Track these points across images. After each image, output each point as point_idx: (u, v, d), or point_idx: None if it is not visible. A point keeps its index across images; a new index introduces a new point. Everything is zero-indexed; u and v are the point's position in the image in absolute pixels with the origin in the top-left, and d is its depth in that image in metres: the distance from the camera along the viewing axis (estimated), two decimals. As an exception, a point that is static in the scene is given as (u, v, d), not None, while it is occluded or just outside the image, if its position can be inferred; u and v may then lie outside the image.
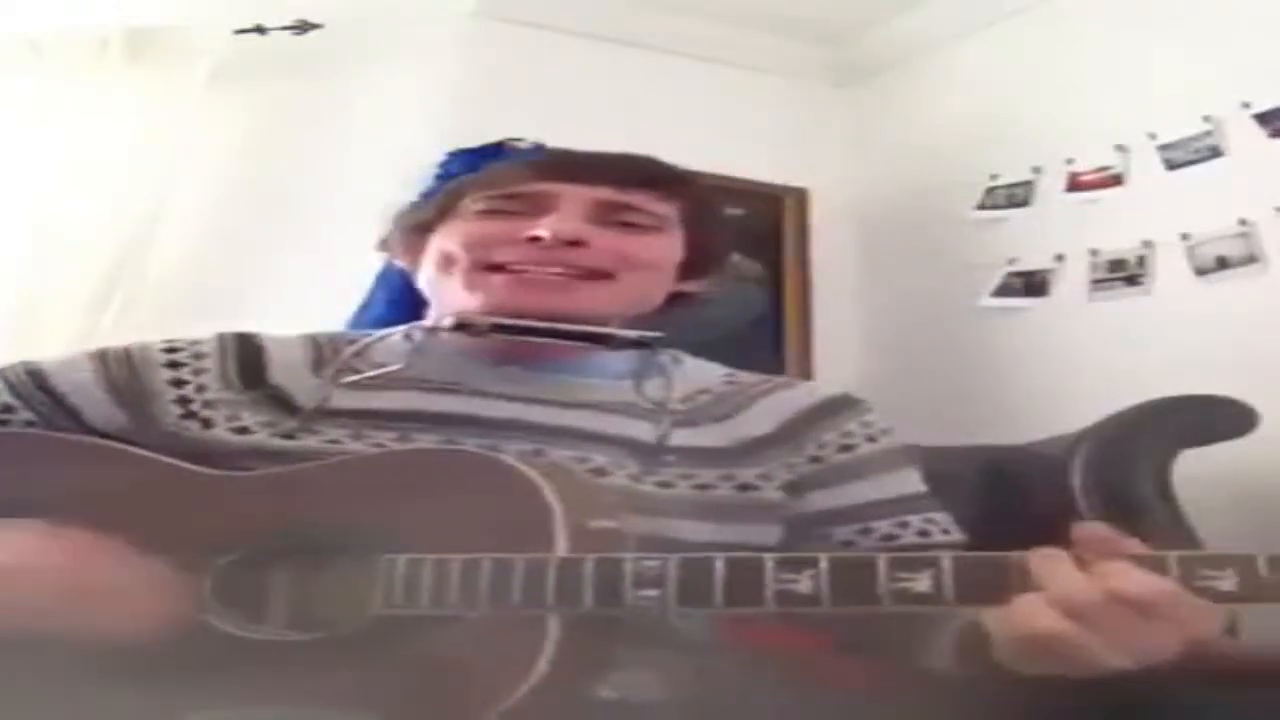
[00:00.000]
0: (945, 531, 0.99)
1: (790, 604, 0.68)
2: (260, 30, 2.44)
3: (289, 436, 0.92)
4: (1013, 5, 2.44)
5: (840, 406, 1.04)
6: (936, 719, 0.83)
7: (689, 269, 1.06)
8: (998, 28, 2.47)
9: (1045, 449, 1.60)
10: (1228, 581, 0.64)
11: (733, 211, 2.56)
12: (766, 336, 2.49)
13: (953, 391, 2.32)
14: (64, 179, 2.33)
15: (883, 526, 0.98)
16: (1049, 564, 0.66)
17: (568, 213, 0.98)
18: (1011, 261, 2.34)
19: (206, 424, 0.94)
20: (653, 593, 0.70)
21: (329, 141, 2.42)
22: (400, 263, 1.09)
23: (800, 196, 2.66)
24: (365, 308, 2.18)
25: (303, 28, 2.46)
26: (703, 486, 0.94)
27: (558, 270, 0.96)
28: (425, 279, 1.03)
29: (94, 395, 0.97)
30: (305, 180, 2.40)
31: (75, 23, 2.37)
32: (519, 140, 2.34)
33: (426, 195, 1.13)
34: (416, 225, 1.06)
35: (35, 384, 0.97)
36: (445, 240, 1.01)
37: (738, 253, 2.53)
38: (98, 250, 2.31)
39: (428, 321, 1.01)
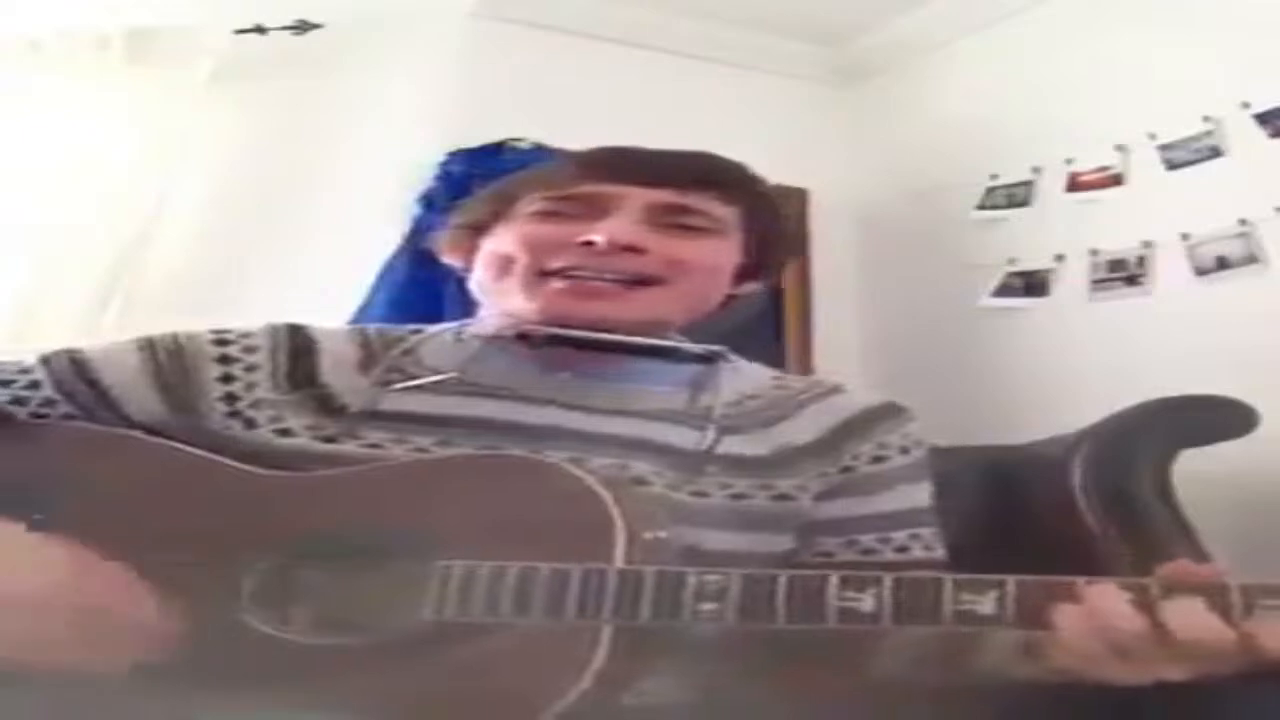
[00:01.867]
0: (927, 548, 0.98)
1: (852, 621, 0.68)
2: (260, 30, 2.44)
3: (331, 440, 0.91)
4: (1013, 5, 2.44)
5: (883, 416, 1.02)
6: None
7: (746, 271, 1.03)
8: (998, 28, 2.47)
9: (1045, 449, 1.60)
10: None
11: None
12: (766, 336, 2.49)
13: (952, 391, 2.32)
14: (64, 179, 2.33)
15: (865, 540, 0.97)
16: (1103, 597, 0.66)
17: (625, 215, 0.95)
18: (1011, 261, 2.34)
19: (250, 424, 0.93)
20: (714, 606, 0.70)
21: (329, 141, 2.42)
22: (453, 262, 1.06)
23: (800, 196, 2.66)
24: (365, 307, 2.19)
25: (303, 28, 2.46)
26: (738, 496, 0.93)
27: (612, 277, 0.94)
28: (478, 280, 1.01)
29: (139, 389, 0.94)
30: (305, 180, 2.40)
31: (75, 23, 2.37)
32: (519, 140, 2.34)
33: (460, 195, 1.09)
34: (470, 225, 1.03)
35: (79, 374, 0.94)
36: (501, 242, 0.98)
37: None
38: (98, 250, 2.31)
39: (483, 325, 1.00)
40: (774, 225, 1.06)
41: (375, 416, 0.92)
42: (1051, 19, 2.37)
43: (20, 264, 2.29)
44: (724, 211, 1.00)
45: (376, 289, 2.23)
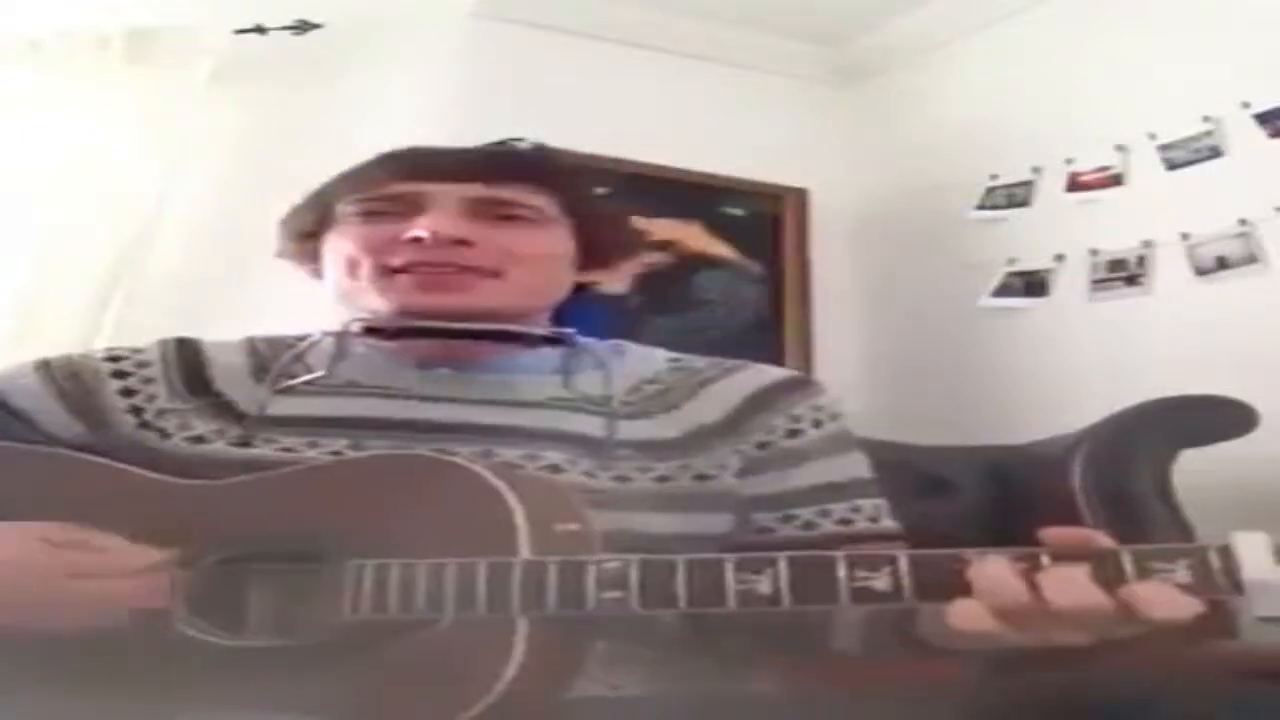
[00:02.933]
0: (872, 519, 0.98)
1: (752, 604, 0.69)
2: (260, 30, 2.44)
3: (244, 444, 0.92)
4: (1013, 5, 2.44)
5: (790, 389, 1.02)
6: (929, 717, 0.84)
7: (588, 259, 1.05)
8: (998, 28, 2.47)
9: (1045, 449, 1.60)
10: (1180, 574, 0.64)
11: (733, 211, 2.56)
12: (766, 336, 2.49)
13: (952, 392, 2.32)
14: (64, 179, 2.33)
15: (804, 514, 0.97)
16: (987, 569, 0.67)
17: (441, 210, 0.97)
18: (1011, 261, 2.33)
19: (162, 434, 0.95)
20: (617, 594, 0.70)
21: (329, 141, 2.41)
22: (303, 270, 1.09)
23: (800, 196, 2.66)
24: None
25: (303, 28, 2.46)
26: (662, 479, 0.94)
27: (451, 267, 0.95)
28: (332, 284, 1.03)
29: (46, 404, 0.97)
30: (305, 180, 2.39)
31: (75, 23, 2.37)
32: (519, 140, 2.34)
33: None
34: (301, 234, 1.06)
35: None
36: (340, 245, 1.01)
37: (738, 252, 2.54)
38: (98, 250, 2.31)
39: (349, 326, 1.00)
40: (597, 211, 1.07)
41: (275, 421, 0.94)
42: (1051, 19, 2.37)
43: (20, 264, 2.29)
44: (539, 201, 1.01)
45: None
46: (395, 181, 1.01)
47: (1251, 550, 0.64)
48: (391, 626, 0.74)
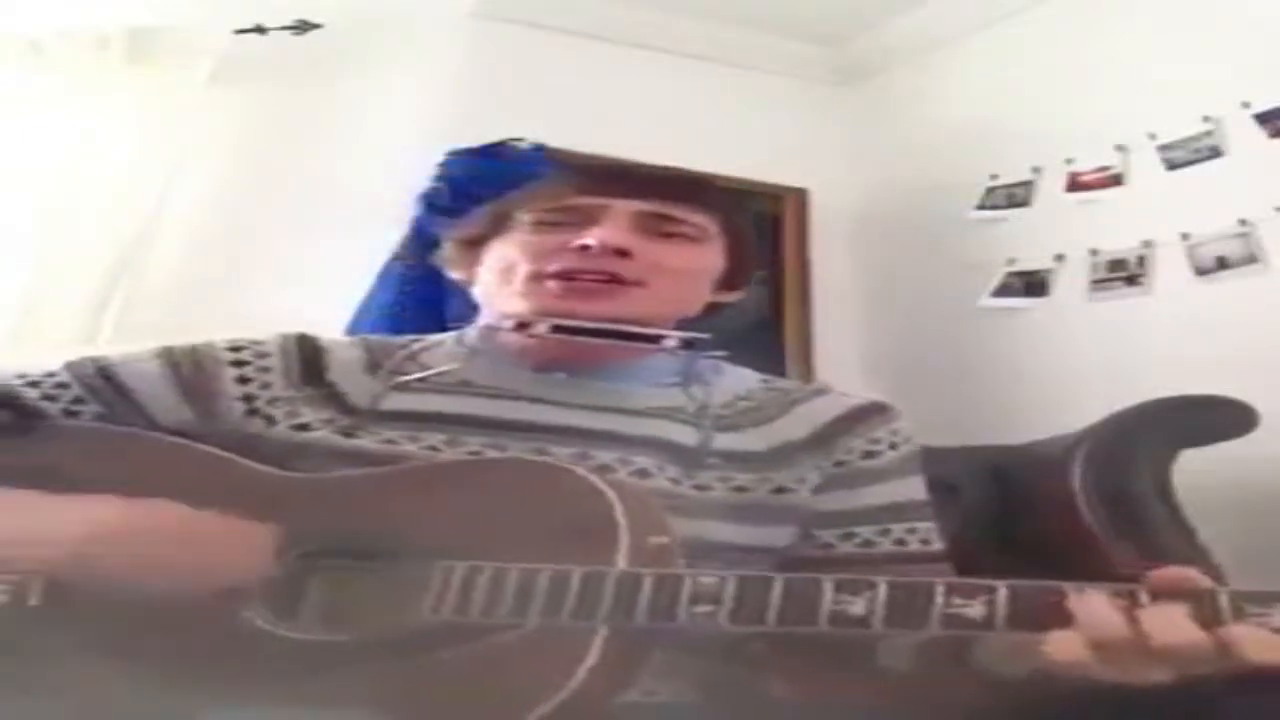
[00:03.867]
0: (925, 542, 1.01)
1: (842, 625, 0.68)
2: (260, 30, 2.44)
3: (349, 434, 0.96)
4: (1013, 5, 2.44)
5: (872, 413, 1.06)
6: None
7: (727, 280, 1.10)
8: (998, 28, 2.48)
9: (1045, 449, 1.60)
10: (1276, 618, 0.63)
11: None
12: (766, 336, 2.49)
13: (952, 392, 2.32)
14: (64, 179, 2.33)
15: (864, 532, 1.00)
16: (1090, 602, 0.67)
17: (614, 223, 1.02)
18: (1011, 261, 2.33)
19: (270, 421, 0.98)
20: (708, 609, 0.70)
21: (329, 141, 2.42)
22: (455, 275, 1.13)
23: (800, 196, 2.66)
24: (365, 307, 2.19)
25: (303, 28, 2.46)
26: (739, 489, 0.97)
27: (604, 276, 1.00)
28: (482, 289, 1.07)
29: (160, 391, 0.99)
30: (305, 180, 2.40)
31: (75, 23, 2.37)
32: (519, 140, 2.34)
33: (453, 211, 1.17)
34: (469, 240, 1.10)
35: (103, 378, 0.99)
36: (503, 251, 1.05)
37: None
38: (98, 250, 2.31)
39: (482, 328, 1.05)
40: (748, 234, 1.13)
41: (384, 415, 0.97)
42: (1051, 19, 2.37)
43: (20, 264, 2.29)
44: (704, 220, 1.06)
45: (376, 289, 2.23)
46: (576, 194, 1.05)
47: None
48: (468, 630, 0.73)
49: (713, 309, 1.09)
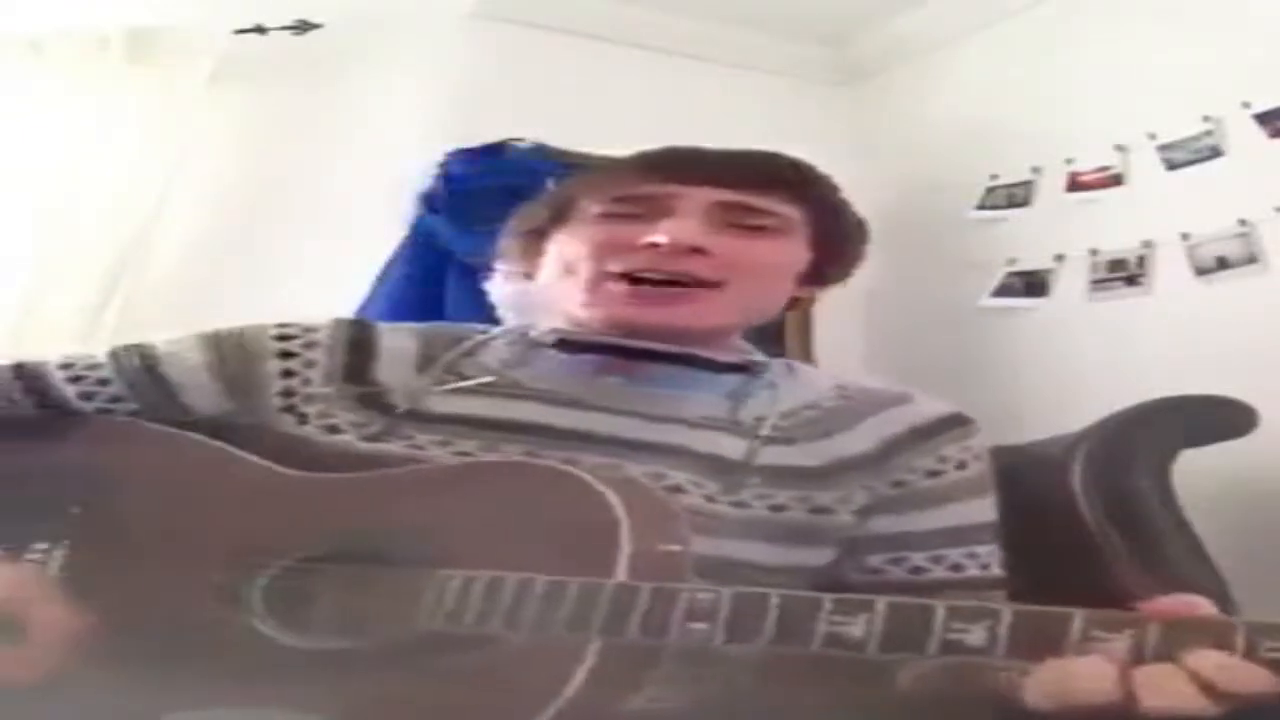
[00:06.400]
0: (984, 566, 0.95)
1: (837, 647, 0.65)
2: (260, 30, 2.44)
3: (374, 440, 0.91)
4: (1013, 5, 2.44)
5: (946, 428, 1.00)
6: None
7: (814, 273, 1.02)
8: (998, 28, 2.47)
9: (1045, 449, 1.60)
10: None
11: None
12: (766, 336, 2.49)
13: (952, 391, 2.29)
14: (64, 179, 2.33)
15: (916, 558, 0.94)
16: (1085, 664, 0.62)
17: (687, 215, 0.94)
18: (1011, 261, 2.33)
19: (301, 419, 0.94)
20: (702, 626, 0.67)
21: (329, 141, 2.42)
22: (517, 269, 1.06)
23: (800, 196, 2.65)
24: (365, 307, 2.19)
25: (303, 28, 2.46)
26: (777, 508, 0.92)
27: (676, 279, 0.93)
28: (544, 283, 1.00)
29: (202, 383, 0.96)
30: (305, 180, 2.40)
31: (75, 23, 2.37)
32: (519, 140, 2.34)
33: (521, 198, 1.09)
34: (532, 230, 1.03)
35: (147, 371, 0.96)
36: (566, 245, 0.98)
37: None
38: (98, 250, 2.31)
39: (538, 328, 0.99)
40: (845, 224, 1.05)
41: (422, 417, 0.92)
42: (1051, 19, 2.37)
43: (20, 264, 2.29)
44: (788, 210, 0.98)
45: (377, 289, 2.23)
46: (649, 182, 0.97)
47: None
48: (462, 638, 0.72)
49: (795, 305, 1.03)
